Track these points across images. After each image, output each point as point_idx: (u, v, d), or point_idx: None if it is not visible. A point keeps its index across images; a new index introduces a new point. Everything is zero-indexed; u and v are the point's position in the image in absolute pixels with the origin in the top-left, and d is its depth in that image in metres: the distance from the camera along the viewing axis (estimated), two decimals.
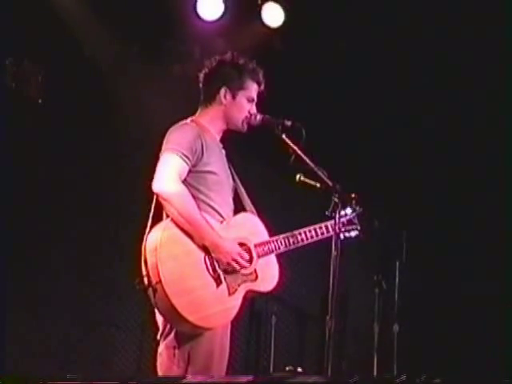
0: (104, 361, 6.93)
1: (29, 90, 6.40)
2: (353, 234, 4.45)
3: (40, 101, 6.46)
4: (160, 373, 4.12)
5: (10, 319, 6.41)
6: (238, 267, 4.08)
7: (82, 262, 6.87)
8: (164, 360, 4.11)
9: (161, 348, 4.13)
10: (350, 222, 4.39)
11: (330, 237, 4.26)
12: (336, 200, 4.13)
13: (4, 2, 5.87)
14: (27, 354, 6.54)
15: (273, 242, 4.27)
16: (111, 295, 6.85)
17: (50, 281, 6.79)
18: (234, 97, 4.29)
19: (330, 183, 4.16)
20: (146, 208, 4.15)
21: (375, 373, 6.06)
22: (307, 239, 4.36)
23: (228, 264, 4.05)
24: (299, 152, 4.18)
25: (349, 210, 4.34)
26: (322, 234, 4.39)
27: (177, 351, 4.05)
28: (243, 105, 4.30)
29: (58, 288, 6.79)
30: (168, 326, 4.09)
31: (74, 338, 6.75)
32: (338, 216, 4.13)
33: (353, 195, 4.17)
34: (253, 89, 4.32)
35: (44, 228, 6.86)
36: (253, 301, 6.68)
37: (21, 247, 6.62)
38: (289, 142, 4.23)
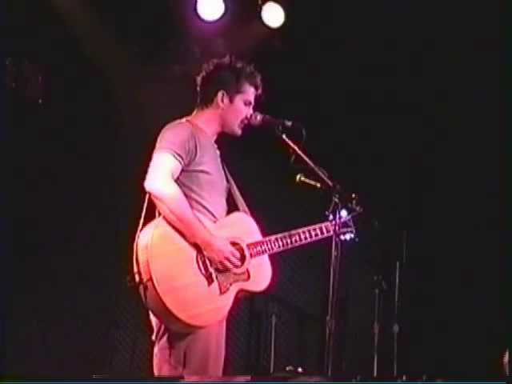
0: (104, 361, 6.93)
1: (29, 90, 6.40)
2: (347, 236, 4.43)
3: (40, 101, 6.46)
4: (156, 373, 4.13)
5: (10, 319, 6.41)
6: (229, 265, 4.08)
7: (82, 261, 6.87)
8: (159, 361, 4.11)
9: (156, 349, 4.14)
10: (345, 224, 4.37)
11: (330, 237, 4.26)
12: (336, 200, 4.13)
13: (4, 2, 5.87)
14: (27, 354, 6.54)
15: (266, 242, 4.27)
16: (111, 295, 6.85)
17: (49, 281, 6.79)
18: (231, 100, 4.30)
19: (330, 183, 4.16)
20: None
21: (375, 373, 6.06)
22: (301, 241, 4.36)
23: (220, 262, 4.05)
24: (299, 152, 4.19)
25: (344, 213, 4.31)
26: (317, 235, 4.40)
27: (171, 352, 4.05)
28: (240, 108, 4.32)
29: (57, 288, 6.79)
30: (162, 327, 4.09)
31: (74, 338, 6.75)
32: (338, 216, 4.14)
33: (353, 195, 4.17)
34: (250, 92, 4.34)
35: (44, 228, 6.86)
36: (253, 301, 6.70)
37: (21, 247, 6.61)
38: (289, 142, 4.24)
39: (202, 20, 6.62)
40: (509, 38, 6.01)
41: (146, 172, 4.10)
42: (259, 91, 4.36)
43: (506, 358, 5.35)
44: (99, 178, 6.90)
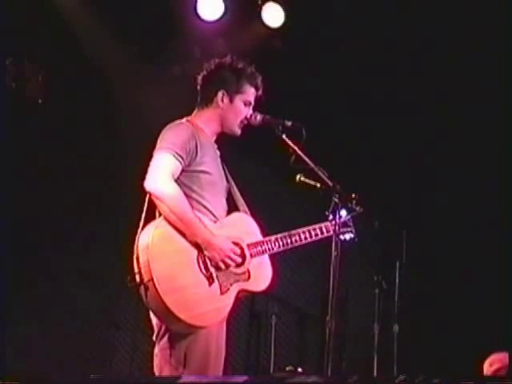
0: (104, 361, 6.93)
1: (29, 90, 6.40)
2: (347, 236, 4.42)
3: (40, 101, 6.46)
4: (156, 374, 4.13)
5: (10, 319, 6.41)
6: (231, 263, 4.07)
7: (82, 261, 6.87)
8: (159, 361, 4.11)
9: (156, 349, 4.13)
10: (344, 224, 4.37)
11: (330, 237, 4.26)
12: (336, 200, 4.13)
13: (4, 2, 5.87)
14: (27, 354, 6.54)
15: (266, 242, 4.27)
16: (111, 295, 6.85)
17: (50, 281, 6.80)
18: (231, 100, 4.31)
19: (330, 183, 4.16)
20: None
21: (375, 373, 6.06)
22: (301, 241, 4.36)
23: (221, 261, 4.05)
24: (299, 152, 4.19)
25: (343, 213, 4.30)
26: (317, 235, 4.40)
27: (172, 352, 4.04)
28: (240, 108, 4.32)
29: (57, 288, 6.80)
30: (163, 328, 4.09)
31: (74, 338, 6.75)
32: (337, 216, 4.13)
33: (353, 195, 4.16)
34: (250, 93, 4.34)
35: (44, 228, 6.87)
36: (253, 301, 6.69)
37: (21, 247, 6.62)
38: (289, 142, 4.24)
39: (202, 20, 6.62)
40: (509, 38, 6.01)
41: (146, 172, 4.10)
42: (259, 92, 4.36)
43: (488, 366, 5.30)
44: (99, 178, 6.90)
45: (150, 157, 4.17)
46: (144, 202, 4.14)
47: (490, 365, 5.14)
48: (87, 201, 6.92)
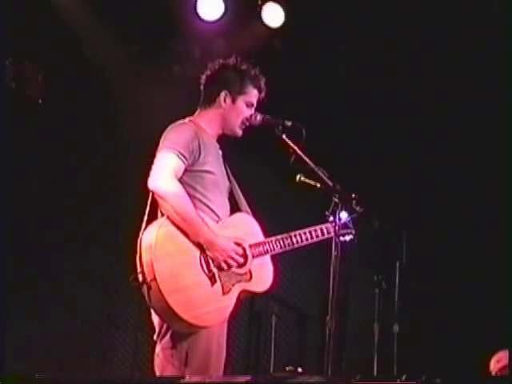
0: (104, 361, 6.93)
1: (29, 90, 6.40)
2: (347, 238, 4.42)
3: (40, 101, 6.46)
4: (157, 373, 4.12)
5: (10, 319, 6.41)
6: (233, 264, 4.07)
7: (82, 262, 6.88)
8: (161, 361, 4.10)
9: (157, 349, 4.12)
10: (344, 226, 4.36)
11: (330, 238, 4.26)
12: (336, 200, 4.13)
13: (4, 2, 5.87)
14: (27, 354, 6.54)
15: (268, 243, 4.27)
16: (111, 295, 6.85)
17: (50, 281, 6.80)
18: (233, 101, 4.30)
19: (330, 183, 4.16)
20: (146, 208, 4.15)
21: (375, 373, 6.06)
22: (302, 241, 4.35)
23: (223, 261, 4.05)
24: (299, 152, 4.19)
25: (343, 214, 4.29)
26: (317, 236, 4.39)
27: (174, 351, 4.04)
28: (242, 109, 4.31)
29: (57, 288, 6.80)
30: (164, 327, 4.08)
31: (74, 338, 6.76)
32: (337, 217, 4.13)
33: (353, 195, 4.16)
34: (253, 94, 4.34)
35: (44, 228, 6.87)
36: (253, 301, 6.70)
37: (21, 247, 6.62)
38: (289, 142, 4.24)
39: (202, 20, 6.62)
40: (509, 38, 6.01)
41: (146, 172, 4.09)
42: (262, 94, 4.36)
43: (495, 363, 5.30)
44: (99, 178, 6.90)
45: (150, 156, 4.16)
46: (145, 201, 4.14)
47: (498, 361, 5.15)
48: (87, 201, 6.92)
